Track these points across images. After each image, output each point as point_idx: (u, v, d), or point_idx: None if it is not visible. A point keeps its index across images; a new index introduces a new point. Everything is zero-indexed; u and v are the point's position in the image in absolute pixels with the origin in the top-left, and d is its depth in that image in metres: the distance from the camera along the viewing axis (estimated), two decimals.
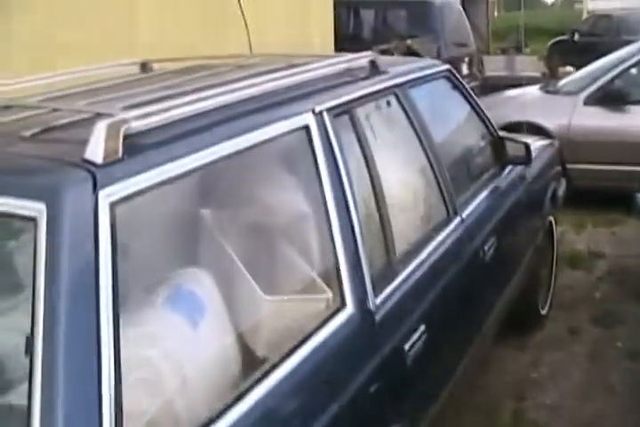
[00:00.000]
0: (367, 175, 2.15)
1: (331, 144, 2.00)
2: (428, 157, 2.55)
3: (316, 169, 1.92)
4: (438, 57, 9.01)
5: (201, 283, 1.72)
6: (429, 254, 2.32)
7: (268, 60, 2.73)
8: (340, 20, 9.13)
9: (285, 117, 1.90)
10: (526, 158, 3.20)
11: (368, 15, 10.22)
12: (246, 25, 5.70)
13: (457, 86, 3.07)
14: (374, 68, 2.49)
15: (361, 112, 2.26)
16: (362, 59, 2.48)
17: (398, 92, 2.53)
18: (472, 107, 3.16)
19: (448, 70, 3.02)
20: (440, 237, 2.45)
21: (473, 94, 3.17)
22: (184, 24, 5.73)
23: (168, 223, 1.72)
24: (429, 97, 2.84)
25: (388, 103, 2.47)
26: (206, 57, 2.93)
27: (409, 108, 2.54)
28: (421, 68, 2.82)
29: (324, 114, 2.03)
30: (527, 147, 3.20)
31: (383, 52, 8.85)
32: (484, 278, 2.75)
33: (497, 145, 3.25)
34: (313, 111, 1.99)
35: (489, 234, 2.81)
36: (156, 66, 2.68)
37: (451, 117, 3.02)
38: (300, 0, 7.36)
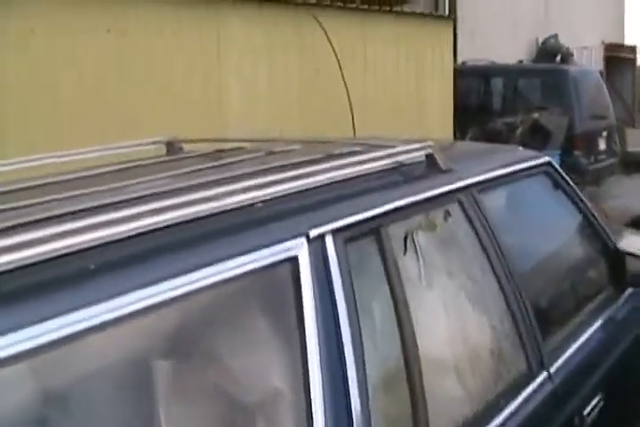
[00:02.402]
0: (394, 326, 1.49)
1: (330, 284, 1.37)
2: (503, 290, 1.85)
3: (299, 322, 1.29)
4: (570, 131, 8.20)
5: None
6: None
7: (309, 149, 2.18)
8: (465, 88, 8.56)
9: (256, 248, 1.30)
10: None
11: (497, 83, 9.55)
12: (351, 107, 5.26)
13: (559, 185, 2.36)
14: (431, 165, 1.85)
15: (397, 232, 1.62)
16: (417, 151, 1.85)
17: (464, 198, 1.86)
18: (580, 211, 2.42)
19: (547, 164, 2.32)
20: (511, 407, 1.73)
21: (582, 195, 2.43)
22: (281, 108, 5.38)
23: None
24: (517, 202, 2.15)
25: (447, 215, 1.81)
26: (243, 140, 2.46)
27: (479, 220, 1.87)
28: (507, 164, 2.13)
29: (327, 239, 1.41)
30: None
31: (508, 126, 8.16)
32: None
33: (613, 261, 2.47)
34: (306, 236, 1.38)
35: (592, 391, 2.04)
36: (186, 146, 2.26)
37: (547, 228, 2.29)
38: (415, 72, 6.85)
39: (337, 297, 1.36)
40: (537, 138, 7.35)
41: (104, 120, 4.10)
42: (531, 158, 2.28)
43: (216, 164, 1.86)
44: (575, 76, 8.78)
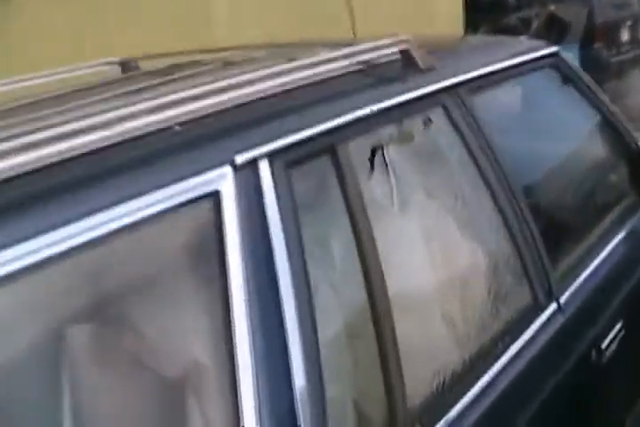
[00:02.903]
0: (358, 270, 1.20)
1: (265, 224, 1.07)
2: (500, 209, 1.54)
3: (222, 276, 1.01)
4: (589, 22, 7.60)
5: None
6: (483, 392, 1.34)
7: (270, 53, 1.85)
8: None
9: (164, 185, 1.00)
10: None
11: None
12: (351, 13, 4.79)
13: (570, 79, 1.99)
14: (408, 64, 1.51)
15: (361, 148, 1.30)
16: (387, 48, 1.50)
17: (449, 101, 1.53)
18: (596, 109, 2.06)
19: (555, 55, 1.95)
20: (515, 347, 1.46)
21: (597, 89, 2.07)
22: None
23: None
24: (517, 101, 1.81)
25: (427, 123, 1.48)
26: (203, 50, 2.12)
27: (469, 127, 1.54)
28: (505, 57, 1.77)
29: (261, 165, 1.10)
30: None
31: (523, 22, 7.57)
32: (599, 394, 1.71)
33: (636, 164, 2.14)
34: (231, 164, 1.07)
35: (611, 320, 1.76)
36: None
37: (555, 130, 1.95)
38: None
39: (274, 240, 1.06)
40: (553, 31, 6.79)
41: (83, 36, 3.71)
42: (535, 49, 1.90)
43: (157, 82, 1.54)
44: None
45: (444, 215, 1.46)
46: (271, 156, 1.13)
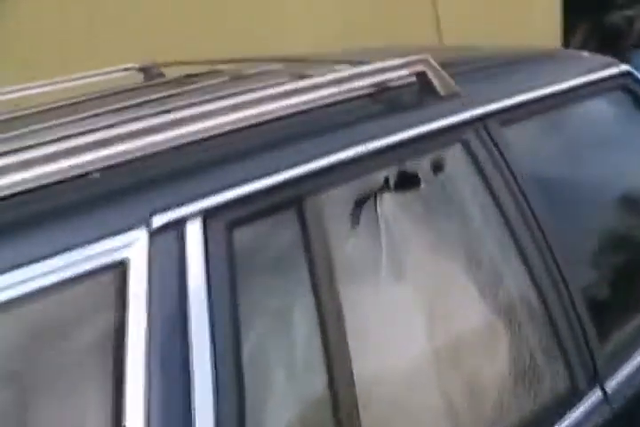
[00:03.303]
0: (319, 356, 0.94)
1: (185, 304, 0.83)
2: (535, 276, 1.22)
3: (119, 373, 0.78)
4: None
5: None
6: None
7: (285, 68, 1.61)
8: None
9: (57, 250, 0.78)
10: None
11: None
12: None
13: None
14: (425, 89, 1.23)
15: (340, 199, 1.04)
16: (401, 68, 1.23)
17: (474, 136, 1.23)
18: None
19: (626, 75, 1.61)
20: None
21: None
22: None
23: None
24: (570, 137, 1.48)
25: (440, 163, 1.19)
26: (226, 60, 1.92)
27: (496, 169, 1.24)
28: (556, 79, 1.45)
29: (189, 228, 0.86)
30: None
31: (627, 21, 6.97)
32: None
33: None
34: (147, 226, 0.84)
35: None
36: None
37: (620, 173, 1.59)
38: None
39: (195, 329, 0.82)
40: None
41: (80, 34, 3.55)
42: (600, 68, 1.57)
43: (139, 100, 1.32)
44: None
45: (454, 282, 1.17)
46: (208, 214, 0.88)
